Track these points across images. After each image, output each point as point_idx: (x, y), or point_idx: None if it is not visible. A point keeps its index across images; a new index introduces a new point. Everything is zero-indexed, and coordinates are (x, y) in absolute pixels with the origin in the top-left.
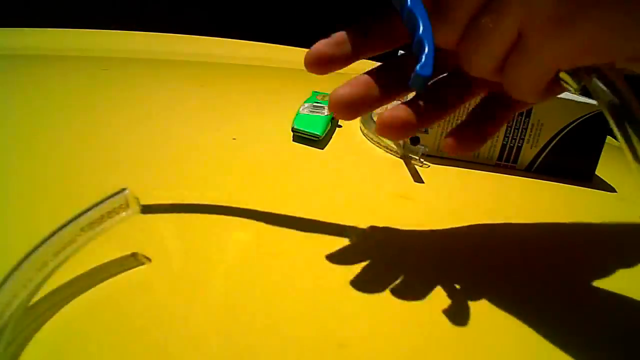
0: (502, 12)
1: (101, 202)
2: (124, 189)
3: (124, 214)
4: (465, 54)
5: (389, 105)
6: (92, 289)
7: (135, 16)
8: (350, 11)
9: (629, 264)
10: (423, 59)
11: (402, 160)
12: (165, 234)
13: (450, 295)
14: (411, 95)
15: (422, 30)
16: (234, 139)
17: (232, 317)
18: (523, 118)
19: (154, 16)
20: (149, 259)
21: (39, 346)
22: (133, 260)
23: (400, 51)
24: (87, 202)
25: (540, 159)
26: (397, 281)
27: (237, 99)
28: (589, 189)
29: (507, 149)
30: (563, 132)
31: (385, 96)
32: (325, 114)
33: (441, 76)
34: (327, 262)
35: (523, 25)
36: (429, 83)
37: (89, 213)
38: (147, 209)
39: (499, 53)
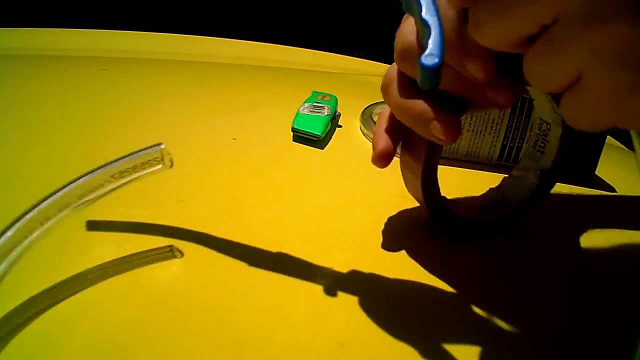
0: None
1: (135, 152)
2: (159, 144)
3: (157, 167)
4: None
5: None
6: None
7: (135, 16)
8: (349, 11)
9: (629, 263)
10: (428, 46)
11: None
12: (169, 231)
13: (450, 295)
14: None
15: (425, 12)
16: (234, 139)
17: (232, 317)
18: (523, 118)
19: (154, 16)
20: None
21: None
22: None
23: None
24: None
25: None
26: (397, 281)
27: (237, 99)
28: (589, 189)
29: (507, 149)
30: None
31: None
32: (325, 114)
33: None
34: (327, 262)
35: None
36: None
37: (121, 161)
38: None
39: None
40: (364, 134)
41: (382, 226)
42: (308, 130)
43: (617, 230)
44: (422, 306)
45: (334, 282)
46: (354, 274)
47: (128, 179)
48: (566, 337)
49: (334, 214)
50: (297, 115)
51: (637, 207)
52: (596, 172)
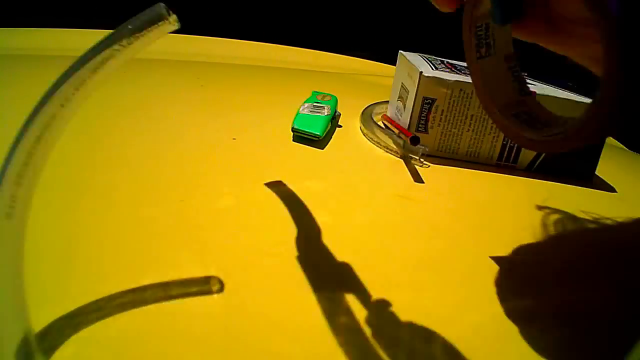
0: None
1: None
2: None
3: (161, 24)
4: None
5: (389, 107)
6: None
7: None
8: (349, 11)
9: (628, 264)
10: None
11: (402, 160)
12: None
13: (450, 294)
14: None
15: None
16: (234, 139)
17: (233, 316)
18: None
19: None
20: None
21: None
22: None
23: (400, 51)
24: (90, 201)
25: (540, 159)
26: (397, 281)
27: (237, 99)
28: (589, 189)
29: (507, 148)
30: None
31: None
32: (325, 114)
33: None
34: (326, 262)
35: None
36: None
37: (125, 25)
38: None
39: None
40: (364, 134)
41: (382, 226)
42: (308, 130)
43: (617, 230)
44: (423, 306)
45: (334, 283)
46: (354, 274)
47: (137, 43)
48: (564, 338)
49: (334, 213)
50: (297, 115)
51: (637, 207)
52: (596, 172)
